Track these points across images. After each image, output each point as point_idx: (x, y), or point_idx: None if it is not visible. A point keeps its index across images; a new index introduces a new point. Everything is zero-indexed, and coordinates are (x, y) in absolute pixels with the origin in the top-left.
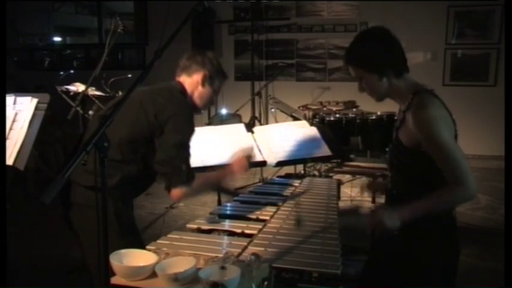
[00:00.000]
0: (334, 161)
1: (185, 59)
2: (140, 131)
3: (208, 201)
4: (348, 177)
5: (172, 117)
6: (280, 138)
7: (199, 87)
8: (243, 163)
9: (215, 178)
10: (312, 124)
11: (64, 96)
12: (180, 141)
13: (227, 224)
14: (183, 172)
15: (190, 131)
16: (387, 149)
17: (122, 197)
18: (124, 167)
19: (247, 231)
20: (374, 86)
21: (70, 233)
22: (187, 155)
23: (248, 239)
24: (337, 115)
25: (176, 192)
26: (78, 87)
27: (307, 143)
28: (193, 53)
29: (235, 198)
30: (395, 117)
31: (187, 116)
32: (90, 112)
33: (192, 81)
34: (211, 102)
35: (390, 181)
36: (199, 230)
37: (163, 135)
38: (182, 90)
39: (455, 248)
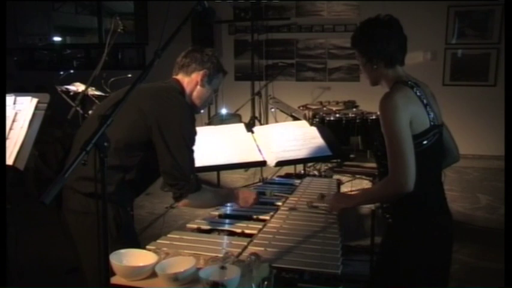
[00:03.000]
0: (334, 161)
1: (183, 56)
2: (137, 134)
3: None
4: (348, 177)
5: (175, 123)
6: (280, 138)
7: (198, 87)
8: (249, 199)
9: (224, 198)
10: (312, 124)
11: (64, 96)
12: (186, 150)
13: (227, 224)
14: (192, 181)
15: (193, 135)
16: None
17: (121, 202)
18: (121, 173)
19: (247, 231)
20: (364, 69)
21: (63, 234)
22: (193, 161)
23: (248, 239)
24: (337, 115)
25: (185, 202)
26: (78, 87)
27: (307, 143)
28: (192, 50)
29: None
30: None
31: (190, 121)
32: (90, 112)
33: (190, 80)
34: (210, 101)
35: (377, 167)
36: (199, 230)
37: (166, 144)
38: (181, 90)
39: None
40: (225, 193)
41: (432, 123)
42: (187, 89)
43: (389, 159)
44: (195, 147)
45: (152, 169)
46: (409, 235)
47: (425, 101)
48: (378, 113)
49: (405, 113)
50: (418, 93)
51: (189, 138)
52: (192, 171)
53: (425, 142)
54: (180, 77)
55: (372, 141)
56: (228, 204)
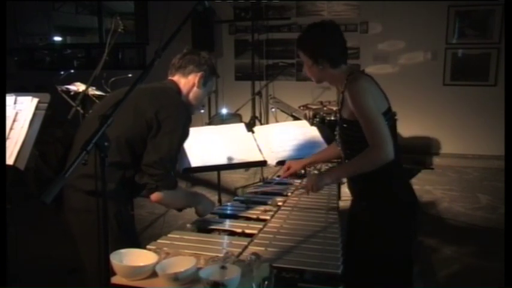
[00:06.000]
0: (334, 160)
1: (180, 58)
2: (137, 131)
3: None
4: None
5: (172, 118)
6: (280, 138)
7: (195, 88)
8: (207, 211)
9: (191, 201)
10: (312, 124)
11: (64, 96)
12: (175, 145)
13: (227, 224)
14: (172, 177)
15: (186, 136)
16: (335, 132)
17: (123, 200)
18: (122, 170)
19: (247, 231)
20: (310, 70)
21: (63, 234)
22: (176, 160)
23: (248, 239)
24: (338, 115)
25: (158, 195)
26: (79, 86)
27: (308, 143)
28: (189, 53)
29: (236, 198)
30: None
31: (186, 120)
32: (91, 112)
33: (187, 82)
34: (203, 103)
35: (343, 155)
36: (200, 230)
37: (159, 136)
38: (177, 90)
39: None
40: (193, 196)
41: (389, 104)
42: (184, 89)
43: (369, 133)
44: (195, 147)
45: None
46: (388, 213)
47: (379, 86)
48: (343, 103)
49: (371, 93)
50: (371, 78)
51: (182, 138)
52: (173, 168)
53: (387, 121)
54: (176, 78)
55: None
56: (229, 204)
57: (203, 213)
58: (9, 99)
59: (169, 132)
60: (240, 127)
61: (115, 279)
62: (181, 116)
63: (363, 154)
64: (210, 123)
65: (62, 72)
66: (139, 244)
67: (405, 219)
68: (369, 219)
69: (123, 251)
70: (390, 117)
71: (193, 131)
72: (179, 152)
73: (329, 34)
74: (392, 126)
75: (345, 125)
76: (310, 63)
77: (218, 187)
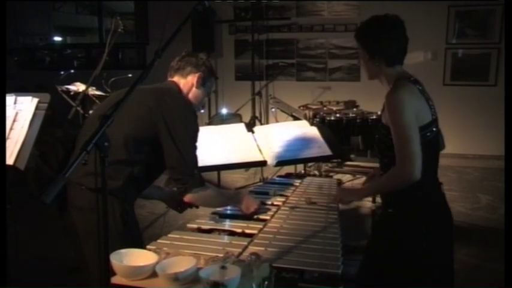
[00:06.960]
0: (334, 161)
1: (178, 60)
2: (144, 129)
3: None
4: (348, 177)
5: (179, 118)
6: (280, 138)
7: (194, 89)
8: (251, 206)
9: (228, 198)
10: (312, 124)
11: (64, 96)
12: (190, 144)
13: (227, 224)
14: (195, 175)
15: (196, 132)
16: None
17: (128, 198)
18: (129, 168)
19: (247, 231)
20: (366, 64)
21: (65, 234)
22: (196, 157)
23: (248, 239)
24: (338, 115)
25: (189, 197)
26: (79, 86)
27: (308, 143)
28: (187, 55)
29: None
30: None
31: (194, 117)
32: (91, 112)
33: (186, 82)
34: (203, 104)
35: (379, 160)
36: (200, 230)
37: (172, 139)
38: (179, 91)
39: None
40: (230, 194)
41: (433, 117)
42: (184, 90)
43: (396, 149)
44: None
45: (155, 167)
46: (408, 225)
47: (426, 96)
48: (385, 107)
49: (410, 107)
50: (419, 88)
51: (194, 135)
52: (195, 166)
53: (428, 134)
54: (176, 79)
55: (372, 142)
56: None
57: (246, 210)
58: (9, 99)
59: (181, 132)
60: (240, 127)
61: (115, 279)
62: (188, 114)
63: (388, 174)
64: (210, 123)
65: (62, 72)
66: (143, 244)
67: (425, 230)
68: (392, 228)
69: (123, 251)
70: (431, 130)
71: None
72: (196, 148)
73: (389, 30)
74: (432, 139)
75: (383, 131)
76: (366, 57)
77: (218, 187)
